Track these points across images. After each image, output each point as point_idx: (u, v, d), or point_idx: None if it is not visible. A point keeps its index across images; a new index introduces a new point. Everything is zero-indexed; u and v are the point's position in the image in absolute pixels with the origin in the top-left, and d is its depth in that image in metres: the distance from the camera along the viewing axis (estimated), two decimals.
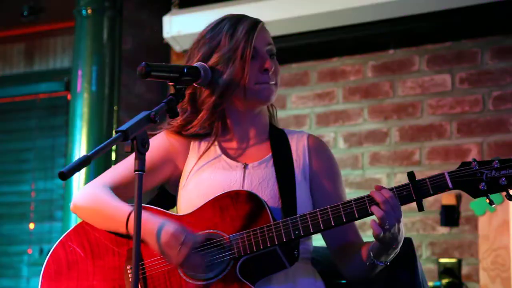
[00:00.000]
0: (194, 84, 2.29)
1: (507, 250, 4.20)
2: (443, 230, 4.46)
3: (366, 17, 4.52)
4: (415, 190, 2.11)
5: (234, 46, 2.28)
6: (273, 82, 2.34)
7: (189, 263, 2.15)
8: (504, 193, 2.08)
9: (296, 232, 2.15)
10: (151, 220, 2.18)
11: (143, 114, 2.03)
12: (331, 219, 2.13)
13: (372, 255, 2.17)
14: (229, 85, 2.29)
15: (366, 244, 2.23)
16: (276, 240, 2.15)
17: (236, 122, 2.38)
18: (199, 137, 2.39)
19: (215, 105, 2.32)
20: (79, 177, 4.66)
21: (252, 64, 2.30)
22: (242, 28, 2.31)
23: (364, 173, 4.72)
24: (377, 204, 2.09)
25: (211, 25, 2.37)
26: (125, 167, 2.38)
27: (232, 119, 2.38)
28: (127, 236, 2.27)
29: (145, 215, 2.17)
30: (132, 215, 2.20)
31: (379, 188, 2.13)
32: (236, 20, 2.34)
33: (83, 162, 1.89)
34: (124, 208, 2.25)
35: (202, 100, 2.33)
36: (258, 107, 2.38)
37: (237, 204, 2.21)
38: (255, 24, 2.34)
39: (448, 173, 2.11)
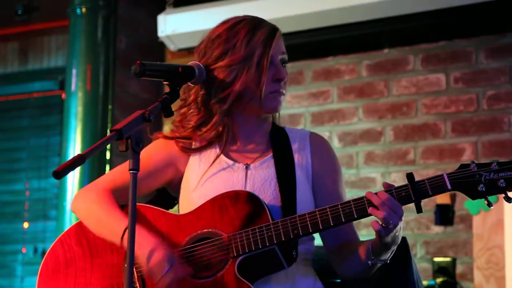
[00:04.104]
0: (189, 83, 2.29)
1: (501, 249, 4.21)
2: (438, 229, 4.47)
3: (361, 16, 4.52)
4: (414, 191, 2.11)
5: (251, 52, 2.27)
6: (284, 92, 2.35)
7: None
8: (502, 195, 2.09)
9: (295, 232, 2.15)
10: (144, 241, 2.17)
11: (137, 113, 2.03)
12: (330, 218, 2.14)
13: (372, 255, 2.17)
14: (243, 92, 2.28)
15: (365, 243, 2.22)
16: (275, 239, 2.15)
17: (242, 127, 2.37)
18: (199, 150, 2.38)
19: (227, 111, 2.31)
20: (73, 176, 4.66)
21: (266, 72, 2.29)
22: (260, 34, 2.29)
23: (358, 172, 4.72)
24: (376, 206, 2.10)
25: (227, 23, 2.34)
26: (126, 169, 2.37)
27: (238, 124, 2.37)
28: None
29: (142, 233, 2.17)
30: None
31: (385, 185, 2.14)
32: (254, 25, 2.31)
33: (77, 161, 1.89)
34: (122, 222, 2.23)
35: (217, 106, 2.31)
36: (265, 115, 2.38)
37: (236, 204, 2.21)
38: (273, 32, 2.32)
39: (447, 174, 2.11)
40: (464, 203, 4.35)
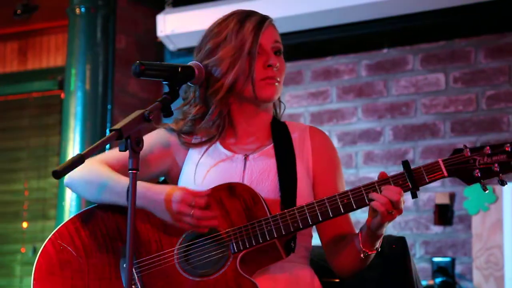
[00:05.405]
0: (189, 83, 2.29)
1: (500, 249, 4.21)
2: (437, 229, 4.47)
3: (360, 16, 4.52)
4: (410, 179, 2.11)
5: (241, 42, 2.27)
6: (277, 79, 2.33)
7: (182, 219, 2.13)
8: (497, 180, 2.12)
9: (295, 225, 2.14)
10: (151, 189, 2.18)
11: (137, 113, 2.03)
12: (329, 210, 2.13)
13: (363, 248, 2.16)
14: (236, 82, 2.28)
15: (356, 236, 2.21)
16: (275, 233, 2.14)
17: (241, 118, 2.36)
18: (199, 145, 2.37)
19: (222, 101, 2.31)
20: None
21: (257, 60, 2.29)
22: (249, 24, 2.30)
23: (358, 172, 4.72)
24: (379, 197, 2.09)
25: (219, 20, 2.36)
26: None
27: (237, 114, 2.36)
28: (119, 231, 2.25)
29: (146, 185, 2.17)
30: None
31: (383, 175, 2.13)
32: (243, 16, 2.33)
33: (76, 161, 1.88)
34: (124, 181, 2.21)
35: (212, 97, 2.31)
36: (261, 104, 2.36)
37: (232, 197, 2.19)
38: (262, 20, 2.33)
39: (443, 160, 2.14)
40: (463, 203, 4.35)
